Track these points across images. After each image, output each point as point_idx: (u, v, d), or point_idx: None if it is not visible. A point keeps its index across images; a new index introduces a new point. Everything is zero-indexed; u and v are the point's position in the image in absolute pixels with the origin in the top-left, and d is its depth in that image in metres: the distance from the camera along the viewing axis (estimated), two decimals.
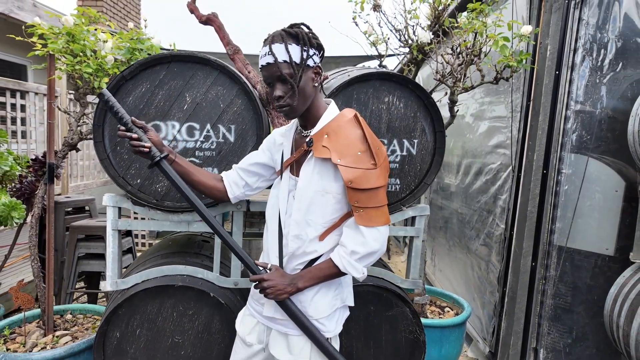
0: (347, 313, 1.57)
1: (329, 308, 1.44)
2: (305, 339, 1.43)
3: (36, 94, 3.97)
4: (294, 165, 1.45)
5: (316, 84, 1.37)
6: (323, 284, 1.42)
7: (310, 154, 1.38)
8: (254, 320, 1.54)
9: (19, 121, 3.79)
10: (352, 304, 1.56)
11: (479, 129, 3.56)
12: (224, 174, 1.59)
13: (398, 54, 2.81)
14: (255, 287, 1.41)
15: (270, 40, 1.31)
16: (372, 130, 1.86)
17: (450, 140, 4.34)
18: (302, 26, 1.36)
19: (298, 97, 1.32)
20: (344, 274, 1.38)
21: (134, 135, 1.36)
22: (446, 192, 4.37)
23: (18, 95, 3.70)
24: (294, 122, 1.52)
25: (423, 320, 2.64)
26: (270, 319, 1.48)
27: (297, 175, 1.42)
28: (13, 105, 3.80)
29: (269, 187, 1.60)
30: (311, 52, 1.32)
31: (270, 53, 1.29)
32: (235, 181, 1.57)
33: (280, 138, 1.55)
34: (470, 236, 3.54)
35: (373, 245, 1.34)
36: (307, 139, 1.39)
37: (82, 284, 3.59)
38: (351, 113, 1.41)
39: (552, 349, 2.52)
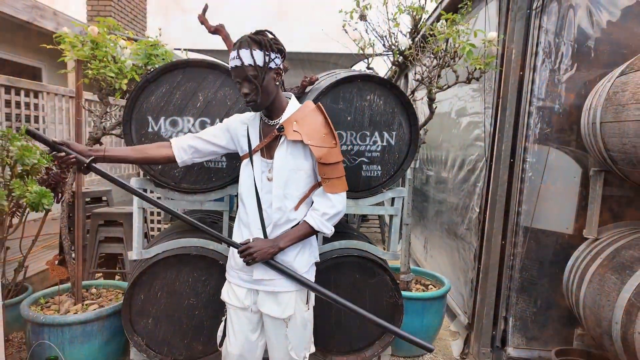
0: (315, 268, 1.89)
1: (307, 263, 1.79)
2: (289, 294, 1.74)
3: (55, 94, 4.32)
4: (264, 150, 1.71)
5: (277, 83, 1.65)
6: (302, 245, 1.76)
7: (282, 139, 1.67)
8: (243, 290, 1.77)
9: (40, 120, 4.13)
10: (319, 260, 1.91)
11: (461, 124, 3.89)
12: (172, 140, 1.80)
13: (383, 54, 3.13)
14: (243, 254, 1.66)
15: (238, 46, 1.55)
16: (356, 124, 2.23)
17: (438, 135, 4.67)
18: (266, 32, 1.62)
19: (262, 94, 1.60)
20: (317, 232, 1.72)
21: (62, 154, 1.58)
22: (438, 183, 4.69)
23: (41, 95, 4.05)
24: (257, 113, 1.77)
25: (407, 293, 2.99)
26: (259, 281, 1.73)
27: (270, 158, 1.69)
28: (27, 104, 4.13)
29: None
30: (273, 56, 1.58)
31: (237, 57, 1.55)
32: (184, 148, 1.78)
33: (242, 125, 1.78)
34: (456, 222, 3.86)
35: (338, 207, 1.71)
36: (277, 126, 1.67)
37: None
38: (313, 104, 1.74)
39: (520, 317, 2.85)
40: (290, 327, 1.75)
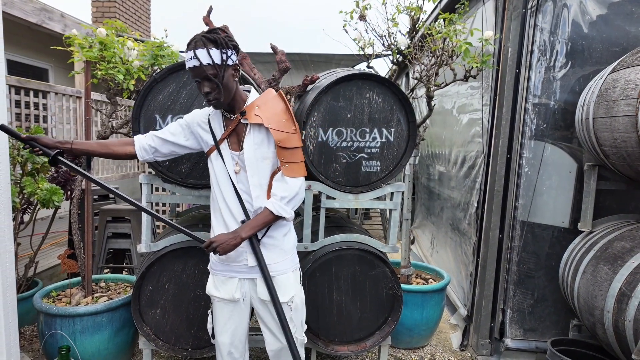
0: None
1: (294, 244, 1.90)
2: (286, 275, 1.83)
3: (63, 94, 4.41)
4: (230, 142, 1.75)
5: (236, 79, 1.69)
6: (284, 228, 1.84)
7: (249, 128, 1.72)
8: (235, 280, 1.82)
9: (49, 120, 4.23)
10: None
11: (462, 121, 3.96)
12: (136, 138, 1.83)
13: (382, 55, 3.21)
14: (208, 249, 1.71)
15: (194, 46, 1.56)
16: (356, 121, 2.31)
17: (441, 132, 4.74)
18: (219, 31, 1.63)
19: (223, 92, 1.63)
20: (277, 217, 1.74)
21: (30, 148, 1.69)
22: (442, 180, 4.76)
23: (49, 96, 4.15)
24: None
25: (407, 286, 3.07)
26: (254, 268, 1.78)
27: (237, 150, 1.74)
28: (36, 104, 4.22)
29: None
30: (229, 53, 1.60)
31: (195, 57, 1.55)
32: (145, 148, 1.81)
33: (203, 119, 1.80)
34: (459, 217, 3.93)
35: (296, 190, 1.76)
36: (240, 111, 1.72)
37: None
38: (274, 92, 1.82)
39: (517, 309, 2.92)
40: (294, 309, 1.83)
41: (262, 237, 1.79)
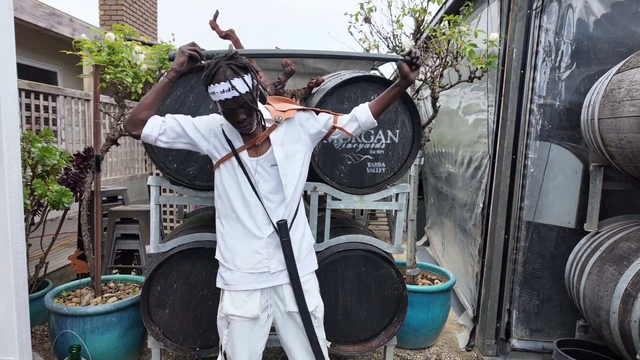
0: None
1: (311, 242, 1.91)
2: (311, 280, 1.83)
3: (72, 97, 4.48)
4: (250, 149, 1.70)
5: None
6: (304, 226, 1.85)
7: (274, 133, 1.71)
8: (257, 294, 1.74)
9: (58, 122, 4.30)
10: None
11: (468, 122, 3.96)
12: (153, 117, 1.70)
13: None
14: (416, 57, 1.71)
15: (228, 76, 1.51)
16: None
17: (447, 133, 4.75)
18: (238, 55, 1.59)
19: (254, 116, 1.63)
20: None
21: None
22: (450, 180, 4.76)
23: (59, 99, 4.21)
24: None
25: (413, 287, 3.08)
26: (277, 274, 1.74)
27: (255, 156, 1.69)
28: (46, 107, 4.29)
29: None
30: (253, 75, 1.59)
31: (233, 89, 1.51)
32: (159, 125, 1.69)
33: (218, 130, 1.73)
34: (466, 218, 3.94)
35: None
36: (276, 117, 1.73)
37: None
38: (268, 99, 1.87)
39: (523, 310, 2.92)
40: (319, 319, 1.83)
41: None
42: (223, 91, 1.53)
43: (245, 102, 1.55)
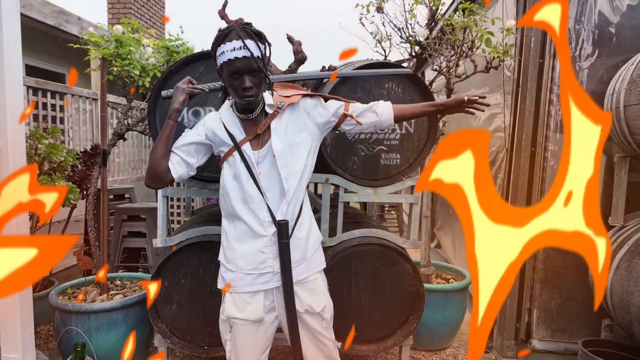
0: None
1: (318, 239, 1.76)
2: (317, 279, 1.70)
3: (80, 96, 4.45)
4: (251, 141, 1.60)
5: None
6: (310, 222, 1.70)
7: (274, 124, 1.59)
8: (261, 295, 1.62)
9: (66, 121, 4.26)
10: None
11: (481, 115, 3.86)
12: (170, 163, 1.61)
13: (401, 46, 3.14)
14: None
15: (243, 36, 1.42)
16: None
17: (460, 126, 4.64)
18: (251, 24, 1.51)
19: (261, 88, 1.52)
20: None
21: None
22: None
23: (67, 97, 4.18)
24: (227, 111, 1.64)
25: (428, 285, 2.97)
26: (279, 274, 1.60)
27: (257, 149, 1.58)
28: (53, 106, 4.26)
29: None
30: (267, 46, 1.50)
31: (245, 47, 1.41)
32: (179, 162, 1.62)
33: (217, 125, 1.63)
34: None
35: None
36: (279, 102, 1.61)
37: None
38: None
39: (545, 309, 2.80)
40: (328, 320, 1.70)
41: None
42: (234, 49, 1.42)
43: (255, 67, 1.45)
